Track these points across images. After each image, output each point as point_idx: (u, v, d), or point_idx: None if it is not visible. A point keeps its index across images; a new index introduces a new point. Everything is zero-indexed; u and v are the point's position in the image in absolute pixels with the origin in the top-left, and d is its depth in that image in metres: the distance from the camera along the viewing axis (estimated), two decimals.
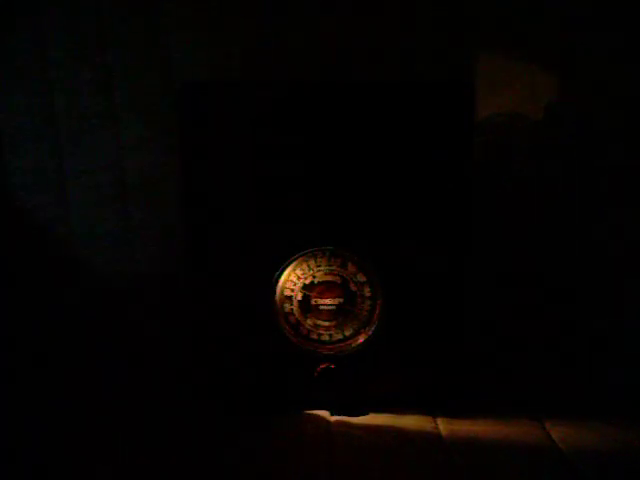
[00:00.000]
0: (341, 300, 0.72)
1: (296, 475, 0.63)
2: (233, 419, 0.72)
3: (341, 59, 1.05)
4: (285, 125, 0.69)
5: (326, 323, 0.72)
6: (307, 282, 0.72)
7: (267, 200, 0.70)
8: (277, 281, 0.72)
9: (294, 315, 0.72)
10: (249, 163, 0.70)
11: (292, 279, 0.72)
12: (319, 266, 0.71)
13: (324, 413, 0.73)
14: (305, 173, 0.70)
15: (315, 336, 0.73)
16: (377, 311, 0.72)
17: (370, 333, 0.72)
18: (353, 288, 0.72)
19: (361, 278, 0.72)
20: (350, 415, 0.73)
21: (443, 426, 0.71)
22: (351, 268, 0.71)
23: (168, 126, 1.09)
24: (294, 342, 0.72)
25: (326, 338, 0.73)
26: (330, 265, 0.71)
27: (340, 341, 0.73)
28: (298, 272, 0.71)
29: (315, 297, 0.72)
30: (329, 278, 0.72)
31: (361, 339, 0.73)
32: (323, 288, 0.72)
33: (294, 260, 0.71)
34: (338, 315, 0.72)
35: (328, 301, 0.72)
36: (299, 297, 0.72)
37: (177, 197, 0.85)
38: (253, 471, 0.63)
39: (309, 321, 0.72)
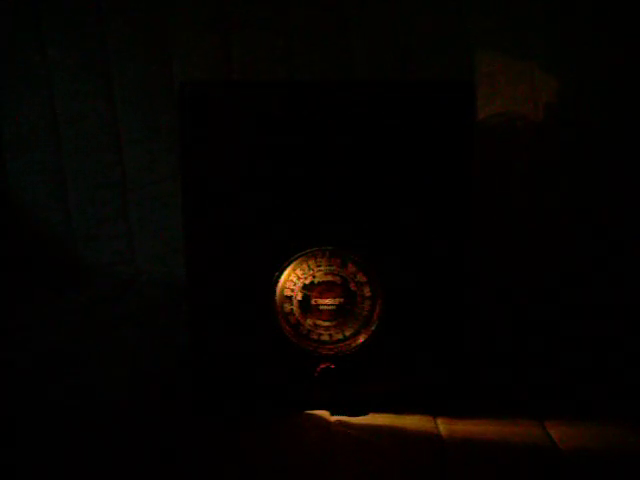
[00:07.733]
0: (341, 300, 0.72)
1: (296, 475, 0.63)
2: (233, 419, 0.72)
3: (341, 59, 1.05)
4: (285, 125, 0.69)
5: (326, 323, 0.72)
6: (307, 282, 0.72)
7: (267, 200, 0.70)
8: (277, 281, 0.72)
9: (294, 315, 0.72)
10: (249, 163, 0.70)
11: (292, 279, 0.72)
12: (319, 266, 0.71)
13: (324, 413, 0.73)
14: (305, 173, 0.70)
15: (315, 336, 0.73)
16: (377, 311, 0.72)
17: (370, 333, 0.72)
18: (353, 288, 0.72)
19: (361, 278, 0.72)
20: (350, 415, 0.73)
21: (443, 426, 0.71)
22: (351, 268, 0.71)
23: (168, 126, 1.09)
24: (294, 342, 0.72)
25: (326, 338, 0.73)
26: (330, 265, 0.71)
27: (340, 341, 0.73)
28: (298, 272, 0.71)
29: (315, 297, 0.72)
30: (329, 278, 0.72)
31: (361, 339, 0.73)
32: (323, 288, 0.72)
33: (294, 260, 0.71)
34: (338, 315, 0.72)
35: (328, 301, 0.72)
36: (299, 297, 0.72)
37: (177, 197, 0.85)
38: (253, 471, 0.63)
39: (309, 321, 0.72)
